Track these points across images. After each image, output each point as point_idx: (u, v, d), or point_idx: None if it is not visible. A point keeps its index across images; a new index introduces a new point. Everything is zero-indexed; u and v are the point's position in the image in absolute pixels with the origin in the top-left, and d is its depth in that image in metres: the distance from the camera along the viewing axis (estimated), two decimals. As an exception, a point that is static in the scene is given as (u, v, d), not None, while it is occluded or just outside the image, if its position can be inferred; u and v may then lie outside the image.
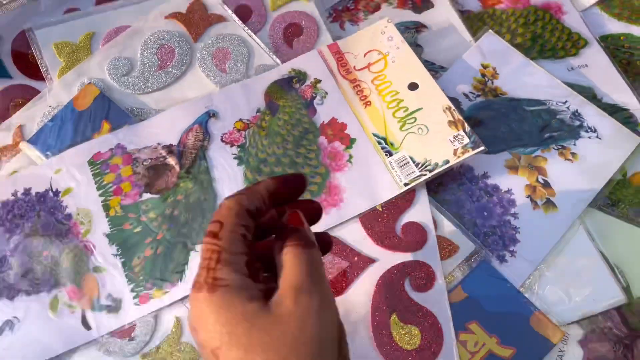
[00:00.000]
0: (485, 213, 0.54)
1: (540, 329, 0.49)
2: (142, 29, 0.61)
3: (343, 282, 0.50)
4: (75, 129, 0.56)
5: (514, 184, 0.55)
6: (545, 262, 0.53)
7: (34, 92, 0.59)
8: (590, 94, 0.60)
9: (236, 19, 0.62)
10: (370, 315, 0.49)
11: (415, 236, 0.52)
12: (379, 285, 0.50)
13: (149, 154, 0.55)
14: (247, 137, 0.56)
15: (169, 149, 0.55)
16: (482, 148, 0.52)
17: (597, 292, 0.52)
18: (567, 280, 0.52)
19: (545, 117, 0.58)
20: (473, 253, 0.52)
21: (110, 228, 0.52)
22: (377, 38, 0.60)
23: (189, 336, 0.49)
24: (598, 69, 0.62)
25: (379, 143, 0.55)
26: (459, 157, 0.53)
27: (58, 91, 0.58)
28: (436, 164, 0.53)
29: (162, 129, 0.56)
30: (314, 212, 0.37)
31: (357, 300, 0.50)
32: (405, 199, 0.53)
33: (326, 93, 0.58)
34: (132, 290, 0.50)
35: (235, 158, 0.55)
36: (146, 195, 0.53)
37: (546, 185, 0.55)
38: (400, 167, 0.53)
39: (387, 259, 0.51)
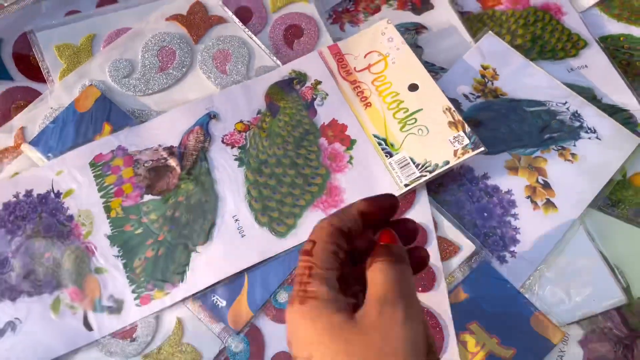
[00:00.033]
0: (486, 214, 0.54)
1: (540, 329, 0.49)
2: (143, 31, 0.61)
3: (344, 282, 0.51)
4: (76, 131, 0.56)
5: (514, 185, 0.55)
6: (545, 263, 0.53)
7: (36, 94, 0.59)
8: (590, 95, 0.60)
9: (237, 20, 0.62)
10: (371, 316, 0.49)
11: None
12: (380, 286, 0.50)
13: (150, 155, 0.55)
14: (247, 138, 0.56)
15: (170, 150, 0.55)
16: (482, 149, 0.52)
17: (597, 292, 0.52)
18: (567, 280, 0.52)
19: (545, 117, 0.59)
20: (473, 254, 0.52)
21: (112, 229, 0.52)
22: (377, 39, 0.60)
23: (190, 337, 0.49)
24: (598, 69, 0.62)
25: (380, 144, 0.55)
26: (459, 158, 0.53)
27: (59, 93, 0.58)
28: (436, 165, 0.53)
29: (163, 130, 0.56)
30: (411, 231, 0.37)
31: (357, 300, 0.50)
32: (405, 200, 0.54)
33: (326, 94, 0.58)
34: (133, 292, 0.50)
35: (236, 159, 0.55)
36: (147, 197, 0.54)
37: (546, 186, 0.55)
38: (401, 168, 0.54)
39: (388, 259, 0.51)
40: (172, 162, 0.55)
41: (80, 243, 0.52)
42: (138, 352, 0.49)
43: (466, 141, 0.53)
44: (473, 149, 0.53)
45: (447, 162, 0.53)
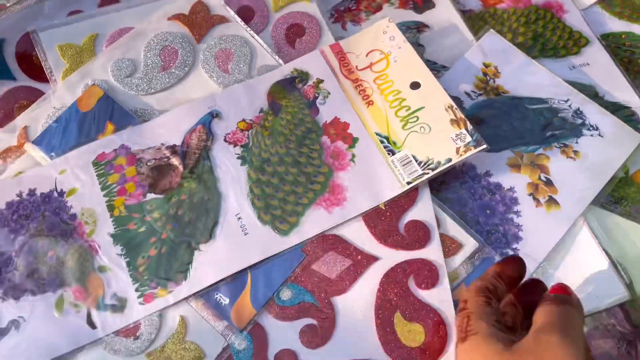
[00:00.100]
0: (488, 211, 0.55)
1: (543, 326, 0.49)
2: (145, 30, 0.61)
3: (346, 280, 0.51)
4: (79, 130, 0.56)
5: (516, 182, 0.55)
6: (548, 260, 0.53)
7: (38, 94, 0.59)
8: (592, 92, 0.60)
9: (239, 20, 0.62)
10: (374, 313, 0.49)
11: (419, 234, 0.52)
12: (382, 283, 0.50)
13: (153, 154, 0.55)
14: (250, 137, 0.56)
15: (173, 149, 0.55)
16: (484, 146, 0.53)
17: (600, 289, 0.52)
18: (570, 277, 0.52)
19: (547, 115, 0.59)
20: (476, 251, 0.52)
21: (115, 228, 0.52)
22: (379, 38, 0.60)
23: (193, 335, 0.49)
24: (599, 67, 0.62)
25: (382, 142, 0.55)
26: (461, 155, 0.53)
27: (62, 93, 0.58)
28: (439, 163, 0.53)
29: (166, 129, 0.56)
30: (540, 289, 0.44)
31: (360, 298, 0.50)
32: (408, 198, 0.54)
33: (328, 93, 0.58)
34: (136, 290, 0.50)
35: (238, 158, 0.55)
36: (150, 196, 0.54)
37: (548, 183, 0.55)
38: (403, 165, 0.54)
39: (391, 257, 0.52)
40: (175, 160, 0.55)
41: (84, 242, 0.52)
42: (142, 350, 0.49)
43: (468, 139, 0.53)
44: (475, 147, 0.53)
45: (450, 160, 0.53)
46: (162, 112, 0.58)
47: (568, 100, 0.59)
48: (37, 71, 0.60)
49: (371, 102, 0.57)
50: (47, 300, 0.50)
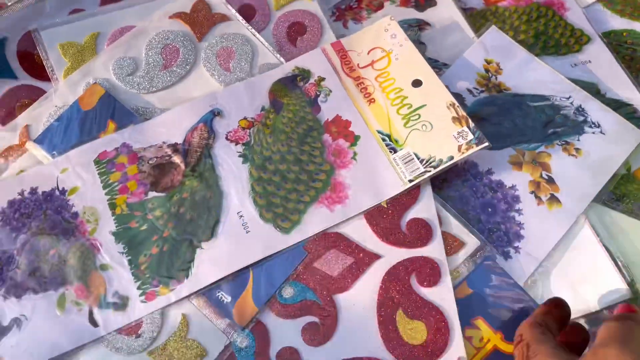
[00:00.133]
0: (490, 209, 0.54)
1: (545, 323, 0.49)
2: (146, 29, 0.61)
3: (348, 278, 0.51)
4: (81, 129, 0.56)
5: (518, 180, 0.55)
6: (549, 258, 0.53)
7: (40, 93, 0.59)
8: (593, 90, 0.60)
9: (240, 18, 0.62)
10: (376, 311, 0.49)
11: (421, 232, 0.52)
12: (385, 281, 0.50)
13: (155, 152, 0.55)
14: (251, 135, 0.56)
15: (174, 147, 0.55)
16: (486, 144, 0.52)
17: (602, 287, 0.52)
18: (572, 275, 0.52)
19: (549, 112, 0.59)
20: (478, 249, 0.52)
21: (117, 226, 0.52)
22: (381, 36, 0.60)
23: (195, 333, 0.49)
24: (601, 64, 0.62)
25: (383, 140, 0.55)
26: (463, 153, 0.53)
27: (64, 91, 0.58)
28: (440, 160, 0.53)
29: (168, 127, 0.56)
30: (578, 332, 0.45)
31: (362, 296, 0.50)
32: (410, 196, 0.54)
33: (330, 91, 0.58)
34: (138, 288, 0.50)
35: (240, 156, 0.55)
36: (152, 194, 0.54)
37: (550, 181, 0.55)
38: (405, 163, 0.54)
39: (393, 255, 0.51)
40: (177, 159, 0.55)
41: (85, 240, 0.52)
42: (143, 348, 0.49)
43: (470, 136, 0.53)
44: (477, 144, 0.53)
45: (452, 158, 0.53)
46: (164, 110, 0.58)
47: (570, 97, 0.59)
48: (38, 70, 0.60)
49: (373, 100, 0.57)
50: (49, 298, 0.50)
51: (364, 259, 0.51)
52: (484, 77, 0.60)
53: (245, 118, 0.57)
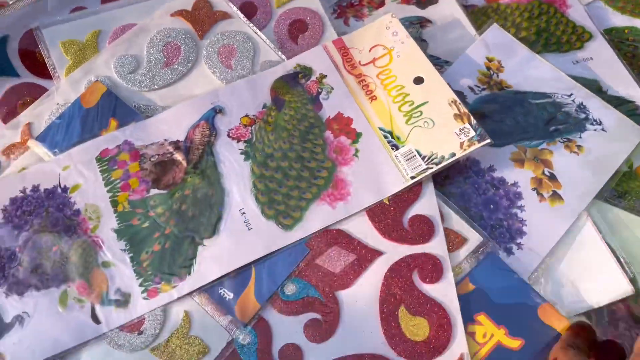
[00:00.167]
0: (492, 206, 0.54)
1: (548, 320, 0.49)
2: (148, 26, 0.61)
3: (350, 274, 0.51)
4: (82, 126, 0.56)
5: (520, 177, 0.55)
6: (552, 255, 0.53)
7: (42, 91, 0.59)
8: (595, 87, 0.60)
9: (241, 15, 0.62)
10: (379, 307, 0.49)
11: (423, 229, 0.52)
12: (387, 278, 0.50)
13: (156, 150, 0.55)
14: (253, 132, 0.56)
15: (176, 145, 0.55)
16: (488, 141, 0.52)
17: (604, 283, 0.52)
18: (574, 272, 0.52)
19: (550, 110, 0.59)
20: (480, 245, 0.52)
21: (119, 223, 0.52)
22: (382, 33, 0.60)
23: (197, 329, 0.49)
24: (603, 62, 0.62)
25: (385, 137, 0.55)
26: (465, 149, 0.53)
27: (65, 89, 0.58)
28: (442, 157, 0.53)
29: (169, 125, 0.56)
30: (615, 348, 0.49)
31: (364, 292, 0.50)
32: (412, 192, 0.53)
33: (332, 88, 0.58)
34: (140, 285, 0.50)
35: (242, 153, 0.55)
36: (154, 191, 0.54)
37: (552, 177, 0.55)
38: (407, 160, 0.54)
39: (395, 251, 0.51)
40: (178, 156, 0.55)
41: (87, 237, 0.52)
42: (146, 345, 0.49)
43: (472, 133, 0.53)
44: (479, 141, 0.53)
45: (454, 154, 0.53)
46: (165, 108, 0.58)
47: (571, 94, 0.59)
48: (40, 68, 0.60)
49: (374, 97, 0.57)
50: (51, 295, 0.50)
51: (366, 255, 0.51)
52: (486, 74, 0.60)
53: (247, 115, 0.57)
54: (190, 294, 0.50)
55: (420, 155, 0.54)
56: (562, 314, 0.50)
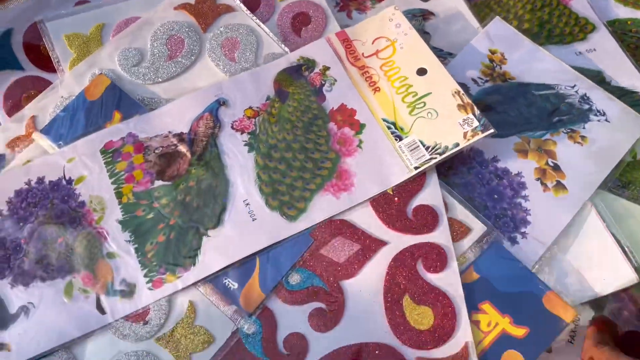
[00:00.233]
0: (496, 196, 0.54)
1: (552, 308, 0.49)
2: (151, 19, 0.61)
3: (355, 264, 0.51)
4: (87, 119, 0.57)
5: (523, 167, 0.55)
6: (556, 244, 0.53)
7: (46, 84, 0.59)
8: (598, 78, 0.60)
9: (245, 8, 0.62)
10: (383, 297, 0.49)
11: (427, 219, 0.52)
12: (391, 267, 0.50)
13: (160, 142, 0.55)
14: (257, 124, 0.56)
15: (180, 137, 0.56)
16: (491, 131, 0.52)
17: (608, 272, 0.52)
18: (579, 261, 0.52)
19: (554, 101, 0.59)
20: (485, 234, 0.52)
21: (123, 215, 0.53)
22: (385, 25, 0.60)
23: (202, 319, 0.49)
24: (606, 53, 0.62)
25: (389, 128, 0.55)
26: (468, 140, 0.53)
27: (69, 82, 0.59)
28: (446, 147, 0.53)
29: (173, 117, 0.57)
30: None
31: (369, 282, 0.50)
32: (415, 183, 0.54)
33: (335, 80, 0.58)
34: (145, 275, 0.50)
35: (245, 145, 0.55)
36: (158, 182, 0.54)
37: (556, 168, 0.55)
38: (410, 151, 0.54)
39: (399, 241, 0.52)
40: (182, 148, 0.55)
41: (92, 228, 0.52)
42: (151, 335, 0.49)
43: (476, 123, 0.53)
44: (483, 131, 0.53)
45: (457, 144, 0.53)
46: (169, 100, 0.58)
47: (575, 86, 0.59)
48: (44, 61, 0.60)
49: (378, 89, 0.57)
50: (56, 286, 0.50)
51: (370, 245, 0.51)
52: (489, 66, 0.60)
53: (250, 107, 0.57)
54: (195, 284, 0.50)
55: (423, 146, 0.54)
56: (567, 302, 0.50)
